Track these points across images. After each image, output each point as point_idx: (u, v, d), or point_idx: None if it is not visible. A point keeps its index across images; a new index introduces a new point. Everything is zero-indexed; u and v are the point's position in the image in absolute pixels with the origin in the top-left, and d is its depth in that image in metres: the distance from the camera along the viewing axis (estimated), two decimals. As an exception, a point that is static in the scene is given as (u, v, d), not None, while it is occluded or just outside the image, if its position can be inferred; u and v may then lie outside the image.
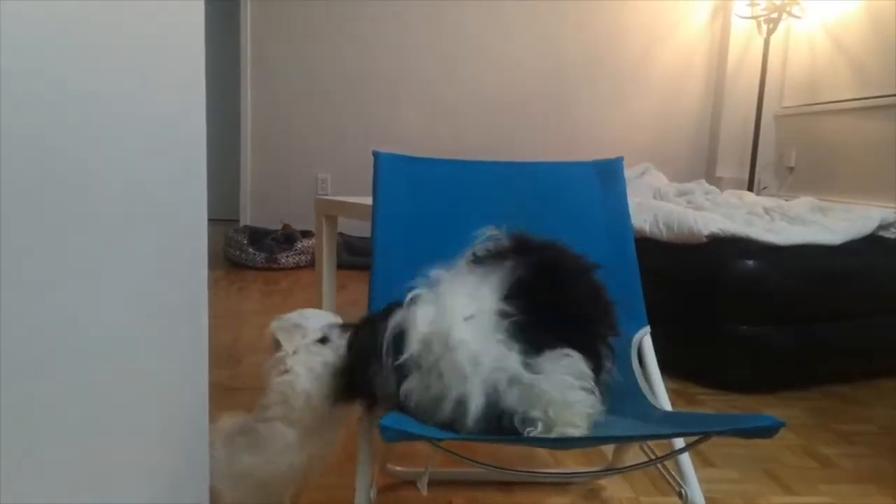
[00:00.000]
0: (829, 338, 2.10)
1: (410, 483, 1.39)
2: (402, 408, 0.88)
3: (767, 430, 0.76)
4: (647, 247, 1.64)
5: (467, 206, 1.29)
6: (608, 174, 1.37)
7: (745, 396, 1.99)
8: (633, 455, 1.37)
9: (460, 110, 4.34)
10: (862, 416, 1.89)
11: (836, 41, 3.86)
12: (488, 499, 1.35)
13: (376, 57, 4.25)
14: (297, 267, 3.82)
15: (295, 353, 1.03)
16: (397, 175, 1.30)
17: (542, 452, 1.56)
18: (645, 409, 1.07)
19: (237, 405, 1.73)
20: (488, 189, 1.34)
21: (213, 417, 1.00)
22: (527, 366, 0.85)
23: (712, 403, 1.93)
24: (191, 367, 0.95)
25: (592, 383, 0.89)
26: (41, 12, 0.55)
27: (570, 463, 1.53)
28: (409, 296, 0.92)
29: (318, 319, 1.08)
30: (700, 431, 0.84)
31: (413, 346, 0.87)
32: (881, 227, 2.30)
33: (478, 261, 1.01)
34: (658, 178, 3.32)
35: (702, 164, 4.62)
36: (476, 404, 0.83)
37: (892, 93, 3.36)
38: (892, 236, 2.32)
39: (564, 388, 0.85)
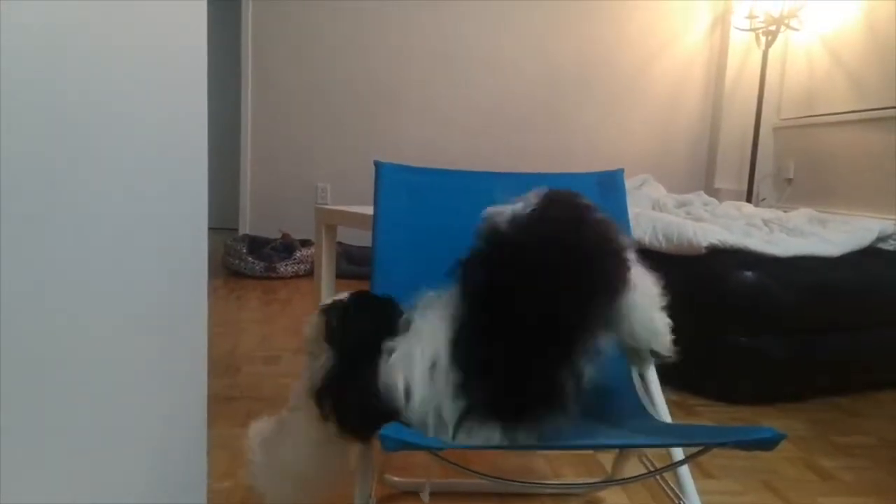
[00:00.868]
0: (828, 349, 2.10)
1: (408, 494, 1.38)
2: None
3: (768, 442, 0.76)
4: (646, 258, 1.64)
5: (468, 216, 1.29)
6: (609, 185, 1.37)
7: (744, 408, 1.98)
8: (632, 467, 1.37)
9: (459, 121, 4.36)
10: (862, 428, 1.88)
11: (834, 54, 3.88)
12: (487, 510, 1.35)
13: (376, 67, 4.27)
14: (296, 276, 3.82)
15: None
16: (398, 185, 1.30)
17: (540, 464, 1.55)
18: (644, 420, 1.07)
19: (235, 414, 1.73)
20: (489, 200, 1.33)
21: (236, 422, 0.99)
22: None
23: (711, 415, 1.93)
24: (190, 373, 0.95)
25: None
26: (43, 22, 0.55)
27: (569, 474, 1.52)
28: (386, 345, 0.92)
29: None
30: (700, 443, 0.84)
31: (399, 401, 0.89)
32: (880, 238, 2.31)
33: (458, 272, 0.98)
34: (657, 190, 3.33)
35: (700, 176, 4.64)
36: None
37: (890, 105, 3.38)
38: (891, 248, 2.33)
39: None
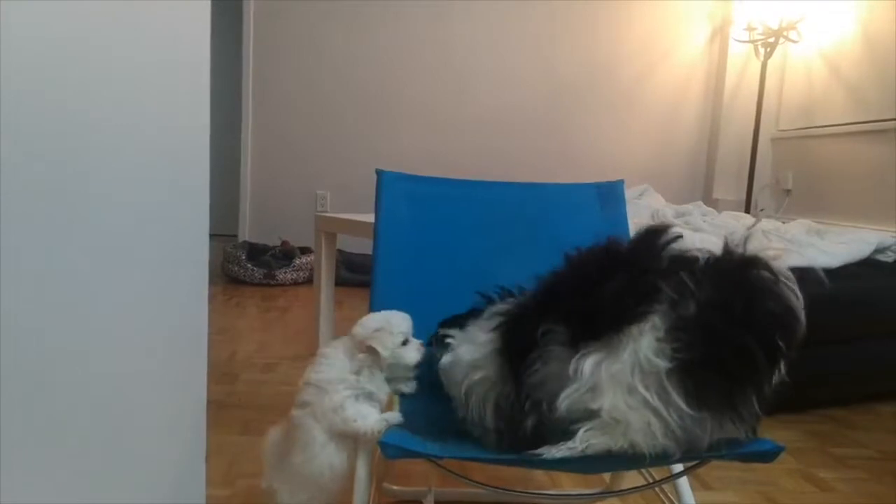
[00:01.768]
0: (826, 361, 2.10)
1: (407, 502, 1.38)
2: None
3: (767, 455, 0.76)
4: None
5: (469, 225, 1.30)
6: (609, 196, 1.38)
7: (742, 419, 1.98)
8: (631, 478, 1.36)
9: (459, 129, 4.37)
10: (860, 440, 1.88)
11: (833, 66, 3.90)
12: (485, 520, 1.34)
13: (377, 75, 4.28)
14: (295, 283, 3.82)
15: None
16: (400, 193, 1.31)
17: (539, 473, 1.55)
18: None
19: (233, 421, 1.73)
20: (490, 209, 1.34)
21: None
22: None
23: (710, 425, 1.92)
24: (190, 380, 0.95)
25: None
26: (44, 29, 0.55)
27: (568, 484, 1.52)
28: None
29: (399, 321, 1.08)
30: (699, 455, 0.84)
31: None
32: (878, 250, 2.31)
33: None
34: (656, 200, 3.34)
35: (699, 186, 4.65)
36: None
37: (888, 117, 3.39)
38: (889, 259, 2.33)
39: None
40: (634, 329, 0.77)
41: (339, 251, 3.34)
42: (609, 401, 0.76)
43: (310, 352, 2.40)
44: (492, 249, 1.29)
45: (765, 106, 4.20)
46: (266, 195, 4.29)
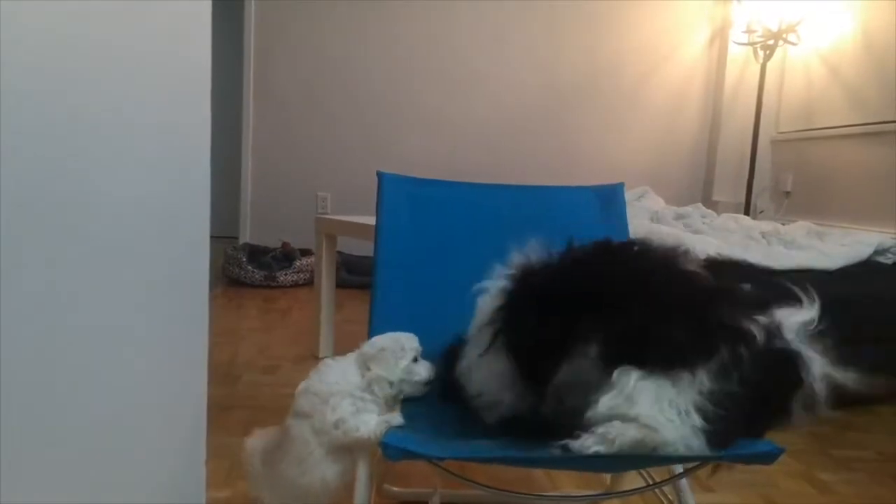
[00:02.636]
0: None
1: (407, 504, 1.38)
2: None
3: (767, 457, 0.76)
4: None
5: (469, 228, 1.30)
6: (609, 199, 1.38)
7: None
8: (631, 480, 1.36)
9: (460, 132, 4.37)
10: (861, 442, 1.88)
11: (832, 68, 3.91)
12: (485, 521, 1.34)
13: (378, 77, 4.29)
14: (296, 285, 3.82)
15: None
16: (401, 196, 1.31)
17: (539, 475, 1.55)
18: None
19: (233, 423, 1.73)
20: (490, 212, 1.35)
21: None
22: None
23: (710, 427, 1.92)
24: (190, 382, 0.95)
25: None
26: (45, 28, 0.56)
27: (568, 486, 1.52)
28: None
29: (408, 340, 1.07)
30: (699, 456, 0.84)
31: None
32: (877, 252, 2.31)
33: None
34: (656, 202, 3.34)
35: (699, 188, 4.65)
36: None
37: (888, 119, 3.40)
38: (888, 261, 2.33)
39: None
40: (685, 376, 0.79)
41: (340, 253, 3.34)
42: (646, 410, 0.78)
43: (311, 353, 2.40)
44: (492, 251, 1.29)
45: (764, 108, 4.21)
46: (267, 197, 4.29)
